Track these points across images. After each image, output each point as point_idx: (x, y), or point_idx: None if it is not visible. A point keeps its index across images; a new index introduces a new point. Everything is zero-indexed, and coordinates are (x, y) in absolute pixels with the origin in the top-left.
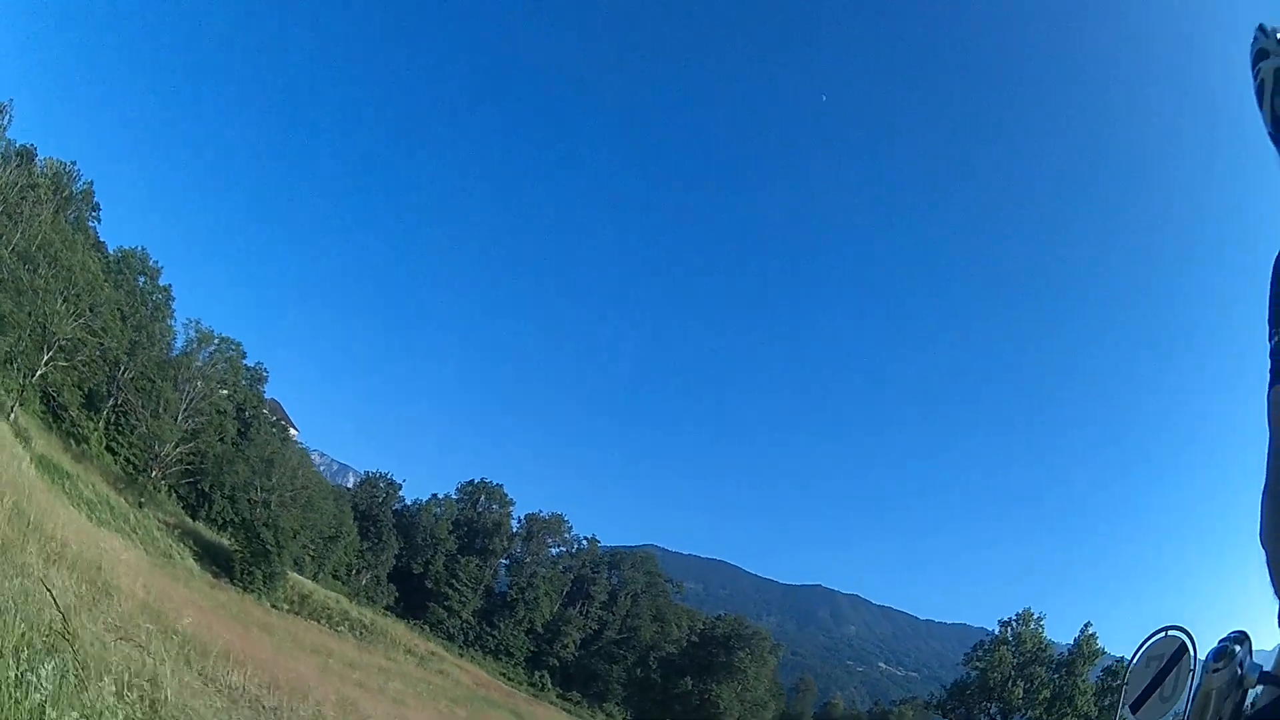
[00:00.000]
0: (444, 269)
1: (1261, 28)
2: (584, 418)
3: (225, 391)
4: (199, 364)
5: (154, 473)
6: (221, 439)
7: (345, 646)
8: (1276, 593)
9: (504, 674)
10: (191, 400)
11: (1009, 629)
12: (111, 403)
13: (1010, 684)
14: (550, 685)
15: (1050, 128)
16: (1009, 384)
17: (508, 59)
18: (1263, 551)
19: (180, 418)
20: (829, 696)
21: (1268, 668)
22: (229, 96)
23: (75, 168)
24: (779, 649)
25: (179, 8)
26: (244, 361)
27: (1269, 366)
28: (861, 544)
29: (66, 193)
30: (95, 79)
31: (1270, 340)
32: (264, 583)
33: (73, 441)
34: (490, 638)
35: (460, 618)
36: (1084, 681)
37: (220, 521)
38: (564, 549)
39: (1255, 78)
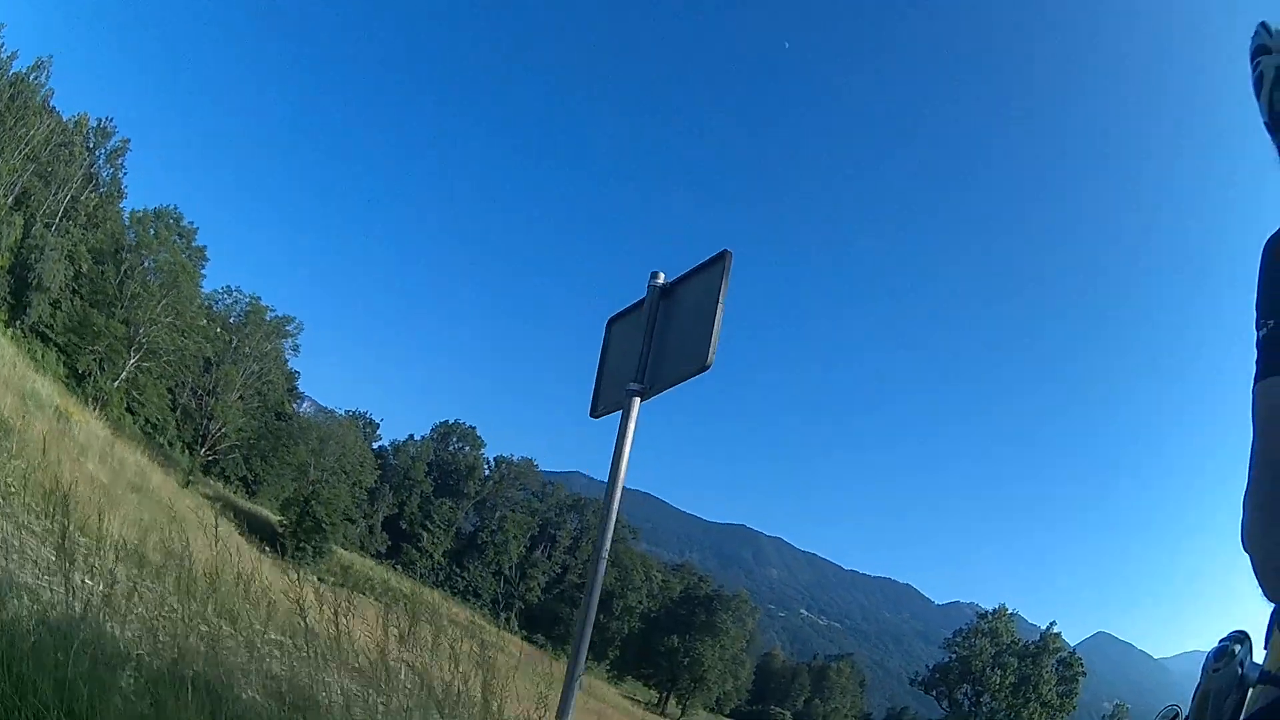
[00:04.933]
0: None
1: (1264, 25)
2: (522, 334)
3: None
4: (257, 341)
5: (202, 449)
6: (277, 415)
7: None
8: (1265, 595)
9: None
10: (247, 378)
11: (986, 621)
12: (134, 362)
13: (988, 670)
14: (517, 628)
15: (1044, 124)
16: (965, 354)
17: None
18: (1247, 556)
19: (235, 396)
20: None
21: (1268, 667)
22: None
23: (112, 123)
24: (756, 611)
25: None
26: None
27: (1255, 359)
28: (788, 488)
29: (103, 148)
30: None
31: (1258, 331)
32: (313, 557)
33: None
34: (460, 579)
35: (432, 559)
36: (1047, 672)
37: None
38: (530, 492)
39: (1254, 70)
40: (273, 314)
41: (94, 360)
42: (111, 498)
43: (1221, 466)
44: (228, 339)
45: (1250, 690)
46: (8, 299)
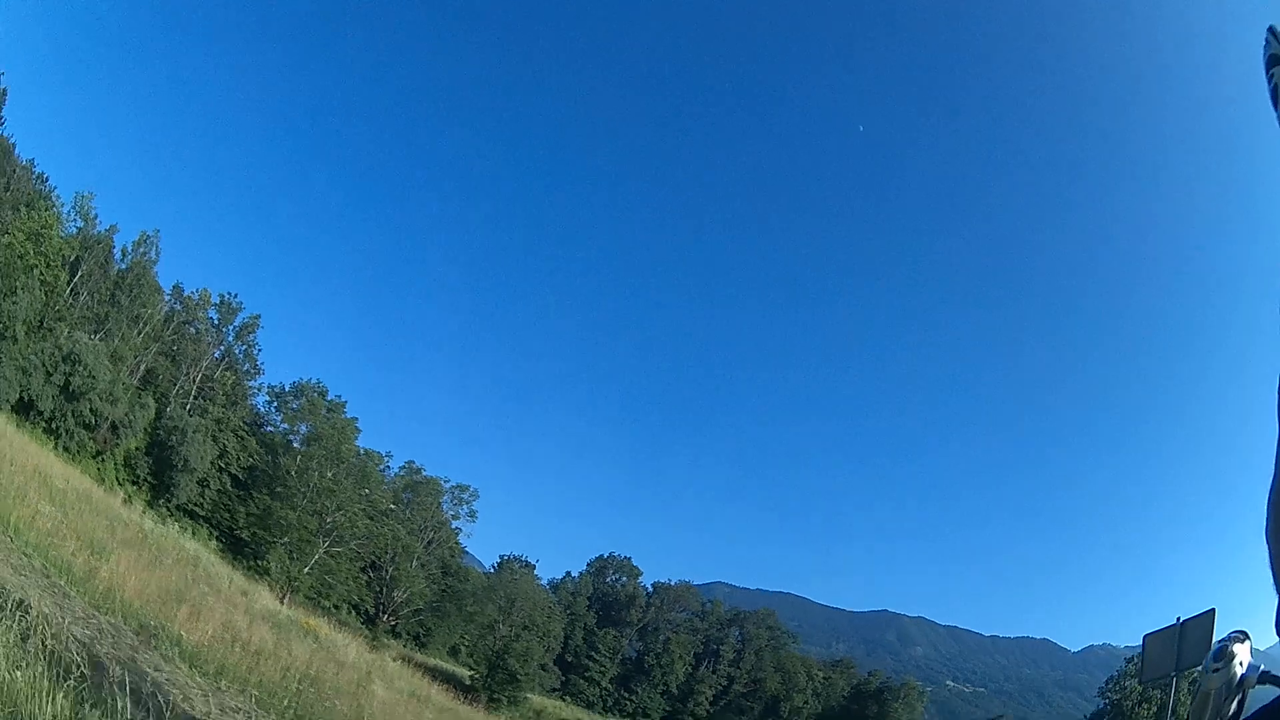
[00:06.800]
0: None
1: (1273, 30)
2: (643, 459)
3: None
4: (433, 511)
5: (385, 616)
6: (444, 572)
7: None
8: (1278, 588)
9: None
10: (429, 545)
11: (1131, 664)
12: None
13: (1136, 707)
14: None
15: (1064, 130)
16: (1056, 400)
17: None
18: (1266, 548)
19: (415, 563)
20: None
21: (1268, 668)
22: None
23: (236, 299)
24: (924, 696)
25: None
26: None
27: None
28: (924, 566)
29: (231, 325)
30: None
31: None
32: (508, 705)
33: (255, 575)
34: (629, 702)
35: (599, 686)
36: (1183, 694)
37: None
38: (691, 613)
39: (1270, 81)
40: (448, 483)
41: (285, 551)
42: None
43: None
44: (408, 515)
45: (1250, 690)
46: (149, 479)
